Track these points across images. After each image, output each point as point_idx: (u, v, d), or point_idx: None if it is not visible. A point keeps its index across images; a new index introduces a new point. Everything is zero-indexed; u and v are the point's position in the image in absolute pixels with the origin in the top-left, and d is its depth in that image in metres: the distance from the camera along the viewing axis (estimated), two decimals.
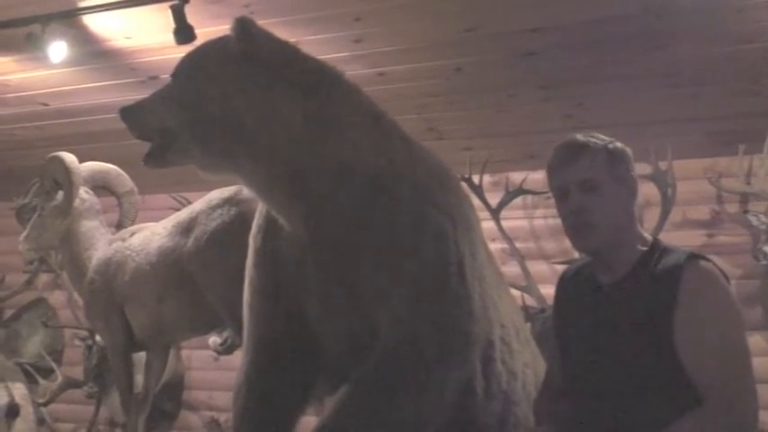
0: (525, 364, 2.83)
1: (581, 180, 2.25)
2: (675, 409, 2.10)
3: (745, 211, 4.95)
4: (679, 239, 5.03)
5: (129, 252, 4.32)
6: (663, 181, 4.68)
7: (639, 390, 2.16)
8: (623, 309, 2.22)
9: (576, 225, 2.29)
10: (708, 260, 2.23)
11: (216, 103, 2.45)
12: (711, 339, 2.11)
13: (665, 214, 4.67)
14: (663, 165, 4.67)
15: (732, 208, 5.06)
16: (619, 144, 2.33)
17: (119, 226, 4.75)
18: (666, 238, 5.00)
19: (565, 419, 2.33)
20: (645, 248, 2.28)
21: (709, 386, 2.09)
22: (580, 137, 2.32)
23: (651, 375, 2.15)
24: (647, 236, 2.36)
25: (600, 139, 2.32)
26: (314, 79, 2.55)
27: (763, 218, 4.69)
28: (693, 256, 2.21)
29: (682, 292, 2.14)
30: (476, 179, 5.08)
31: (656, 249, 2.28)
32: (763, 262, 4.53)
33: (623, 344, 2.20)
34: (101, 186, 4.76)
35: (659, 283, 2.18)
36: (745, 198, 4.99)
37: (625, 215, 2.29)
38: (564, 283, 2.50)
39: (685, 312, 2.12)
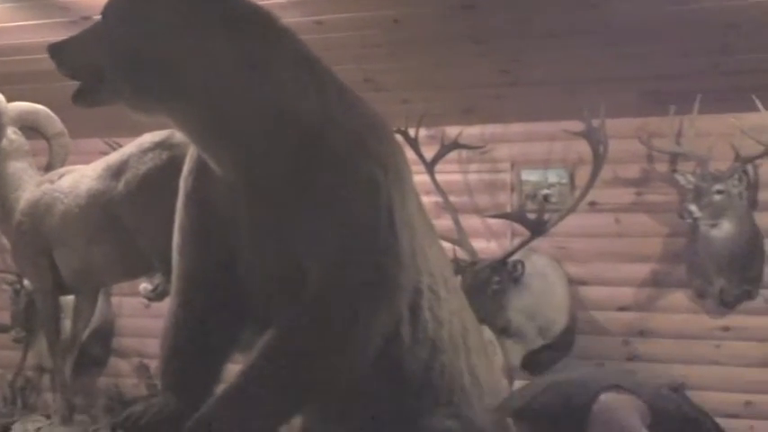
0: (452, 313, 2.87)
1: None
2: None
3: (674, 171, 5.07)
4: (609, 197, 5.16)
5: (57, 194, 4.26)
6: (595, 138, 4.73)
7: None
8: None
9: None
10: None
11: (147, 42, 2.39)
12: None
13: (596, 171, 4.74)
14: (596, 123, 4.74)
15: (661, 167, 5.16)
16: None
17: (48, 168, 4.67)
18: (597, 195, 5.09)
19: None
20: None
21: None
22: None
23: None
24: None
25: None
26: (249, 21, 2.51)
27: (690, 177, 4.79)
28: None
29: None
30: (412, 132, 5.10)
31: None
32: (688, 220, 4.63)
33: None
34: (30, 127, 4.66)
35: None
36: (674, 158, 5.10)
37: None
38: None
39: None
